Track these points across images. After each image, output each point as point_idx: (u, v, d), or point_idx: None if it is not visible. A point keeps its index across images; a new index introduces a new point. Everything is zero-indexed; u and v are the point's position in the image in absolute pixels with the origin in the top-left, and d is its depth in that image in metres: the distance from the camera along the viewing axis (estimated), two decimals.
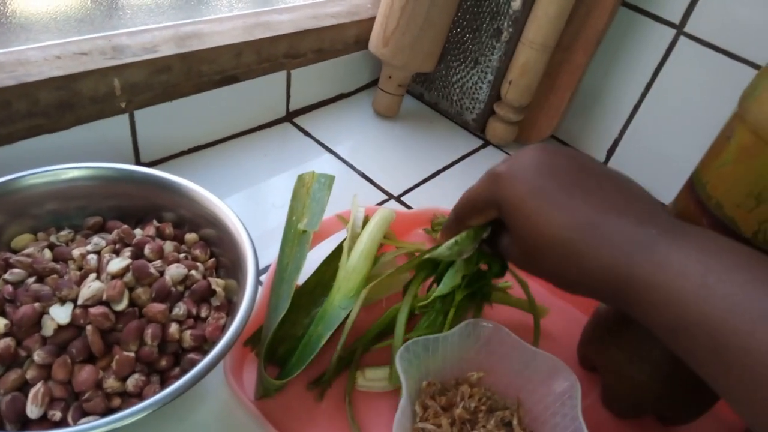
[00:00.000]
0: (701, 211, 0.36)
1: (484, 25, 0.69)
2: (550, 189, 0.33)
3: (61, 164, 0.43)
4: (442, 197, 0.65)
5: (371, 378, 0.42)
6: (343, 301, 0.42)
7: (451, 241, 0.40)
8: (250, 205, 0.58)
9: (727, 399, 0.27)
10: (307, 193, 0.49)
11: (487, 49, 0.70)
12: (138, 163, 0.58)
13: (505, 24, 0.67)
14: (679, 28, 0.64)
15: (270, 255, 0.48)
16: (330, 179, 0.51)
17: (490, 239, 0.41)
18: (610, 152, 0.75)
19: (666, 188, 0.72)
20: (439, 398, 0.40)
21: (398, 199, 0.64)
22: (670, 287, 0.28)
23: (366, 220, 0.50)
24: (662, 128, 0.69)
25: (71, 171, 0.43)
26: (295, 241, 0.47)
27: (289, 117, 0.71)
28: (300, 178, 0.51)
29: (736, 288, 0.27)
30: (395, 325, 0.42)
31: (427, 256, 0.42)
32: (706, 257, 0.28)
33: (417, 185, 0.66)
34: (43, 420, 0.33)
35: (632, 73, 0.69)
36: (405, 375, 0.37)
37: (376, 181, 0.65)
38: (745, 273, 0.27)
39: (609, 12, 0.65)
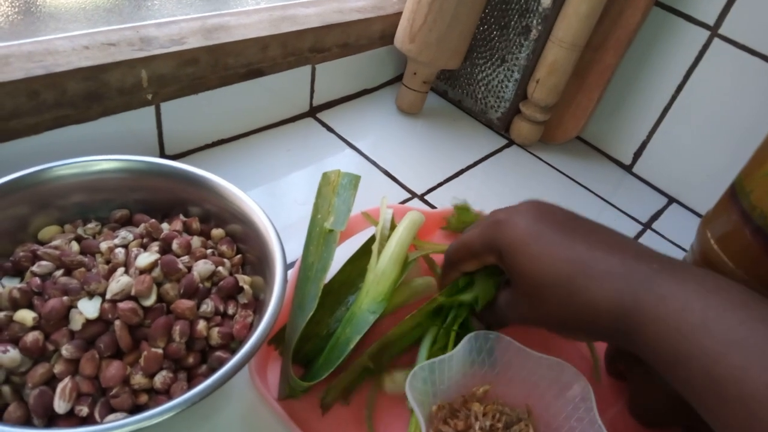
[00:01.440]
0: (744, 221, 0.35)
1: (513, 23, 0.68)
2: (549, 231, 0.36)
3: (86, 155, 0.43)
4: (466, 197, 0.64)
5: (400, 381, 0.41)
6: (372, 305, 0.41)
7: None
8: (272, 200, 0.57)
9: (716, 428, 0.29)
10: (333, 192, 0.49)
11: (514, 47, 0.69)
12: (162, 155, 0.57)
13: (534, 22, 0.66)
14: (714, 30, 0.63)
15: (291, 251, 0.48)
16: (356, 179, 0.50)
17: (480, 312, 0.43)
18: (637, 155, 0.74)
19: (694, 194, 0.71)
20: (453, 422, 0.39)
21: (422, 197, 0.63)
22: (672, 320, 0.30)
23: (392, 221, 0.49)
24: (692, 132, 0.68)
25: (100, 163, 0.42)
26: (320, 239, 0.46)
27: (313, 112, 0.70)
28: (325, 176, 0.50)
29: (734, 324, 0.28)
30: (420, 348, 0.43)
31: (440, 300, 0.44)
32: (706, 293, 0.30)
33: (440, 184, 0.65)
34: (71, 415, 0.33)
35: (663, 74, 0.68)
36: (417, 404, 0.36)
37: (399, 178, 0.64)
38: (743, 311, 0.29)
39: (642, 12, 0.64)
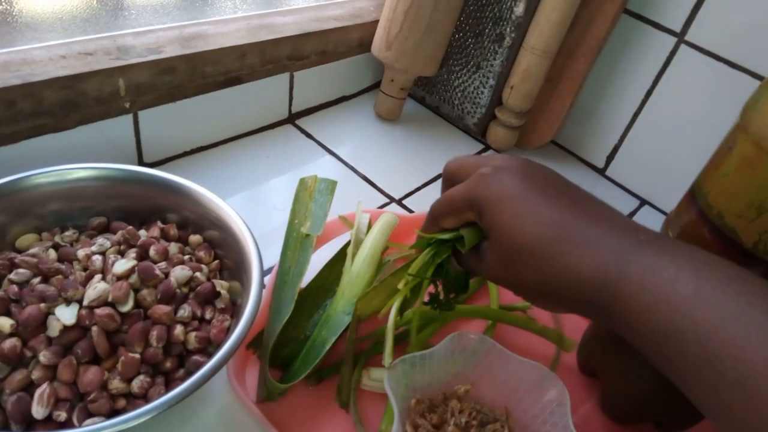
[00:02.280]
0: (702, 220, 0.37)
1: (487, 30, 0.69)
2: (535, 191, 0.33)
3: (64, 164, 0.43)
4: None
5: (376, 378, 0.42)
6: (347, 306, 0.42)
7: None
8: (252, 206, 0.58)
9: (707, 409, 0.27)
10: (310, 197, 0.50)
11: (489, 54, 0.70)
12: (141, 163, 0.58)
13: (508, 29, 0.67)
14: (680, 36, 0.65)
15: (271, 256, 0.49)
16: (332, 184, 0.51)
17: (456, 255, 0.39)
18: (610, 158, 0.76)
19: (664, 196, 0.73)
20: (429, 416, 0.40)
21: (399, 202, 0.64)
22: (661, 292, 0.27)
23: (369, 225, 0.50)
24: (662, 136, 0.70)
25: (77, 171, 0.43)
26: (297, 244, 0.47)
27: (292, 119, 0.71)
28: (302, 181, 0.51)
29: (729, 298, 0.26)
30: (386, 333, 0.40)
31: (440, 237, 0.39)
32: (698, 265, 0.28)
33: (418, 189, 0.67)
34: (48, 420, 0.33)
35: (633, 80, 0.70)
36: (394, 395, 0.37)
37: (378, 184, 0.65)
38: (737, 285, 0.27)
39: (611, 19, 0.65)
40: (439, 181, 0.68)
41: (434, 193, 0.66)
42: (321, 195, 0.50)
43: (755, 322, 0.25)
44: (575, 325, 0.52)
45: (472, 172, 0.36)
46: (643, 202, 0.74)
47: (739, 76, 0.61)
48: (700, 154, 0.66)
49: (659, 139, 0.70)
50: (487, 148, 0.76)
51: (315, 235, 0.47)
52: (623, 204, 0.73)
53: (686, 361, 0.26)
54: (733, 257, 0.35)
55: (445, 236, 0.38)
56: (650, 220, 0.72)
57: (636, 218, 0.71)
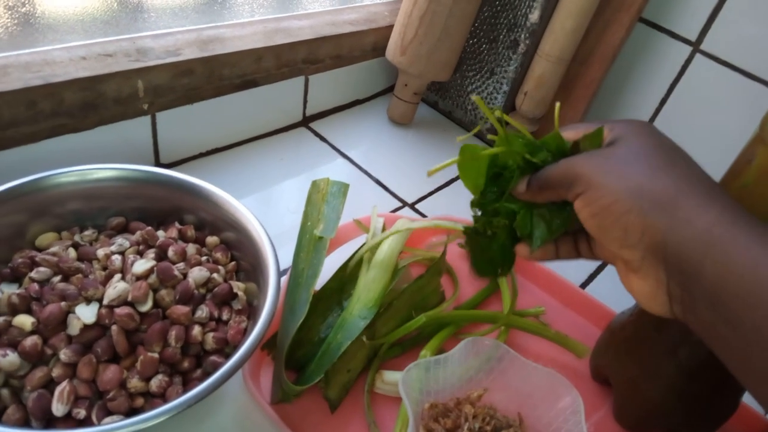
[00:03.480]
0: None
1: (501, 37, 0.70)
2: (657, 156, 0.32)
3: (83, 164, 0.44)
4: (456, 206, 0.65)
5: (389, 382, 0.42)
6: (362, 311, 0.42)
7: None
8: (265, 208, 0.58)
9: None
10: (323, 200, 0.50)
11: (503, 60, 0.70)
12: (157, 164, 0.58)
13: (522, 36, 0.68)
14: (696, 46, 0.65)
15: (283, 258, 0.49)
16: (345, 187, 0.51)
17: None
18: None
19: None
20: (443, 420, 0.40)
21: (412, 206, 0.64)
22: (748, 271, 0.27)
23: (384, 229, 0.50)
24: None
25: (98, 171, 0.43)
26: (310, 246, 0.47)
27: (306, 122, 0.71)
28: (314, 184, 0.51)
29: None
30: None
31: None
32: None
33: (430, 193, 0.67)
34: (68, 418, 0.34)
35: (647, 88, 0.70)
36: (409, 400, 0.37)
37: (390, 187, 0.66)
38: None
39: (626, 27, 0.65)
40: (452, 187, 0.68)
41: (446, 198, 0.67)
42: (333, 198, 0.50)
43: None
44: (588, 332, 0.52)
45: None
46: None
47: (755, 86, 0.61)
48: (715, 164, 0.66)
49: None
50: None
51: (328, 237, 0.47)
52: None
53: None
54: None
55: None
56: None
57: None
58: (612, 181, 0.31)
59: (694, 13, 0.64)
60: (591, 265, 0.63)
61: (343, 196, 0.51)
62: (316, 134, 0.70)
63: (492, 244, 0.39)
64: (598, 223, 0.32)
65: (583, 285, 0.61)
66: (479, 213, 0.39)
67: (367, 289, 0.44)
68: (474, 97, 0.36)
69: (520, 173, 0.35)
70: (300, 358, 0.43)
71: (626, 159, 0.32)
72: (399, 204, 0.64)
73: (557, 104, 0.36)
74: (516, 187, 0.36)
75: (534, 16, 0.66)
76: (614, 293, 0.55)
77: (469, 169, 0.37)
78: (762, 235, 0.28)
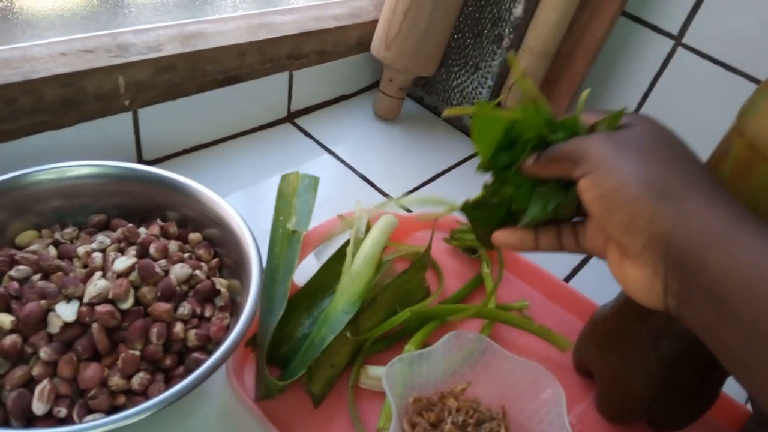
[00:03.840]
0: None
1: (486, 31, 0.70)
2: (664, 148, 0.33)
3: (63, 161, 0.43)
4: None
5: (373, 376, 0.42)
6: (346, 305, 0.43)
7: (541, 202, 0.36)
8: (250, 204, 0.58)
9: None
10: (294, 193, 0.49)
11: (487, 55, 0.70)
12: (140, 161, 0.58)
13: (507, 30, 0.68)
14: (678, 39, 0.65)
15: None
16: (315, 180, 0.51)
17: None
18: None
19: None
20: (426, 414, 0.40)
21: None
22: (749, 272, 0.27)
23: (368, 225, 0.50)
24: None
25: (77, 168, 0.43)
26: (284, 241, 0.47)
27: (291, 117, 0.71)
28: (284, 178, 0.51)
29: None
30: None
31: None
32: None
33: (416, 188, 0.67)
34: (49, 417, 0.33)
35: (630, 82, 0.70)
36: (392, 394, 0.37)
37: (376, 183, 0.66)
38: None
39: (609, 21, 0.66)
40: (437, 182, 0.68)
41: (433, 193, 0.67)
42: (305, 191, 0.50)
43: None
44: (572, 325, 0.53)
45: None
46: None
47: (736, 79, 0.62)
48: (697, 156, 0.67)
49: None
50: None
51: (302, 231, 0.47)
52: None
53: None
54: None
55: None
56: None
57: None
58: (622, 165, 0.31)
59: (675, 6, 0.64)
60: (575, 259, 0.63)
61: (314, 189, 0.50)
62: (301, 130, 0.70)
63: (495, 214, 0.38)
64: (602, 204, 0.32)
65: (567, 278, 0.61)
66: (490, 178, 0.38)
67: (351, 283, 0.44)
68: (509, 57, 0.35)
69: (532, 149, 0.35)
70: (284, 354, 0.43)
71: (638, 146, 0.32)
72: (384, 199, 0.64)
73: (586, 91, 0.37)
74: (525, 161, 0.35)
75: (518, 11, 0.66)
76: (598, 287, 0.56)
77: (483, 129, 0.35)
78: (766, 230, 0.29)
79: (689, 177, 0.31)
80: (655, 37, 0.67)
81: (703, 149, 0.41)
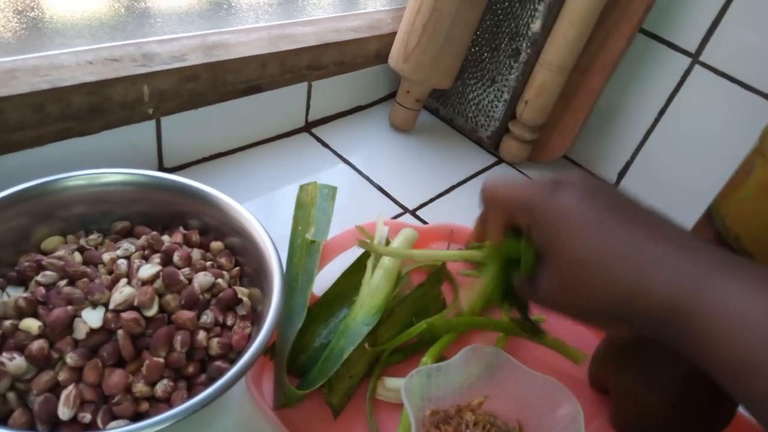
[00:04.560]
0: (719, 243, 0.37)
1: (503, 45, 0.70)
2: (601, 207, 0.32)
3: (87, 167, 0.44)
4: (456, 213, 0.66)
5: (391, 388, 0.43)
6: (366, 317, 0.43)
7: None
8: (266, 212, 0.59)
9: None
10: (312, 203, 0.50)
11: (504, 69, 0.71)
12: (161, 168, 0.58)
13: (524, 45, 0.68)
14: (695, 57, 0.66)
15: (284, 262, 0.49)
16: (333, 190, 0.51)
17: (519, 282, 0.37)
18: (621, 174, 0.76)
19: (676, 214, 0.73)
20: (444, 427, 0.40)
21: (413, 213, 0.65)
22: (735, 323, 0.27)
23: (387, 237, 0.50)
24: (674, 154, 0.71)
25: (106, 176, 0.43)
26: (303, 251, 0.48)
27: (308, 127, 0.72)
28: (303, 188, 0.51)
29: None
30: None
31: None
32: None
33: (431, 200, 0.67)
34: (73, 422, 0.34)
35: (646, 98, 0.71)
36: (411, 406, 0.37)
37: (391, 194, 0.66)
38: None
39: (626, 38, 0.66)
40: (453, 194, 0.69)
41: (447, 204, 0.67)
42: (323, 201, 0.50)
43: None
44: (587, 339, 0.53)
45: (521, 195, 0.34)
46: None
47: (754, 98, 0.62)
48: (713, 174, 0.67)
49: (672, 158, 0.71)
50: (500, 161, 0.77)
51: (321, 241, 0.47)
52: None
53: (762, 393, 0.26)
54: None
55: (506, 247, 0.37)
56: None
57: None
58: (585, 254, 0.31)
59: (694, 24, 0.65)
60: None
61: (332, 199, 0.51)
62: (318, 140, 0.71)
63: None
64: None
65: None
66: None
67: (371, 296, 0.44)
68: None
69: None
70: (302, 363, 0.44)
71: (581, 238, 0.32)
72: (400, 210, 0.64)
73: None
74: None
75: (536, 26, 0.66)
76: None
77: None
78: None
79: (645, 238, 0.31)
80: (673, 55, 0.67)
81: (721, 167, 0.42)
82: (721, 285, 0.28)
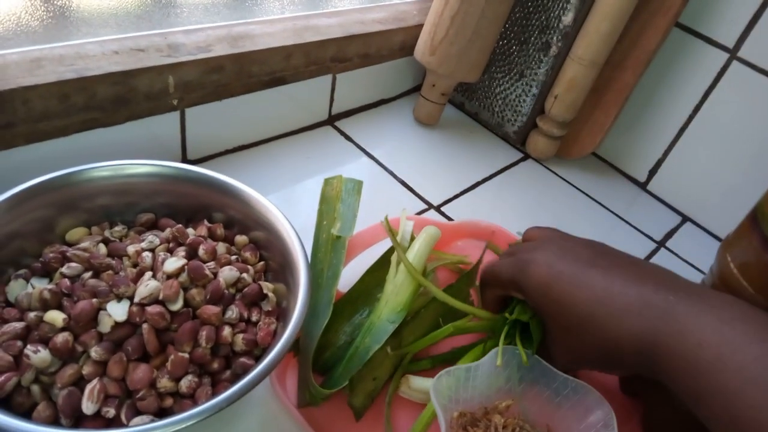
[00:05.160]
0: (764, 246, 0.36)
1: (533, 38, 0.69)
2: (570, 269, 0.36)
3: (111, 158, 0.43)
4: (482, 209, 0.64)
5: (416, 388, 0.42)
6: (391, 315, 0.42)
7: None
8: (289, 205, 0.58)
9: None
10: (338, 198, 0.49)
11: (533, 62, 0.69)
12: (184, 160, 0.58)
13: (555, 38, 0.66)
14: (733, 53, 0.63)
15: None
16: (358, 184, 0.50)
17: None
18: (652, 173, 0.74)
19: (708, 213, 0.71)
20: (472, 429, 0.39)
21: (438, 209, 0.63)
22: (690, 357, 0.30)
23: (412, 234, 0.49)
24: (708, 152, 0.68)
25: (132, 167, 0.43)
26: (328, 246, 0.47)
27: (331, 120, 0.71)
28: (327, 182, 0.50)
29: (749, 360, 0.28)
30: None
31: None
32: (721, 326, 0.30)
33: (456, 196, 0.66)
34: (97, 416, 0.33)
35: (681, 94, 0.68)
36: (441, 409, 0.37)
37: (416, 189, 0.65)
38: (758, 346, 0.28)
39: (662, 32, 0.64)
40: (477, 190, 0.67)
41: (473, 201, 0.66)
42: (348, 195, 0.49)
43: None
44: None
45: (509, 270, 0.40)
46: (685, 218, 0.73)
47: None
48: (748, 173, 0.65)
49: (705, 156, 0.69)
50: (527, 156, 0.75)
51: (347, 236, 0.46)
52: (664, 220, 0.72)
53: (717, 420, 0.29)
54: None
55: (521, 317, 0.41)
56: (692, 238, 0.70)
57: (677, 235, 0.70)
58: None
59: (732, 19, 0.62)
60: None
61: (358, 193, 0.49)
62: (342, 133, 0.70)
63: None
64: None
65: None
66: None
67: (396, 293, 0.43)
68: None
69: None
70: (326, 361, 0.43)
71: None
72: (424, 206, 0.63)
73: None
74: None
75: (567, 18, 0.65)
76: None
77: None
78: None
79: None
80: (710, 50, 0.65)
81: (758, 166, 0.40)
82: (675, 322, 0.31)
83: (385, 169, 0.66)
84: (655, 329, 0.32)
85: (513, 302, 0.43)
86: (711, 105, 0.66)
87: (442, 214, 0.63)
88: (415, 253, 0.46)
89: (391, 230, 0.46)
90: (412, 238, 0.49)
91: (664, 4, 0.63)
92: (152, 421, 0.33)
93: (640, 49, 0.66)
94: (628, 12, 0.62)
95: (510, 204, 0.67)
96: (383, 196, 0.63)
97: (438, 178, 0.67)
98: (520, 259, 0.40)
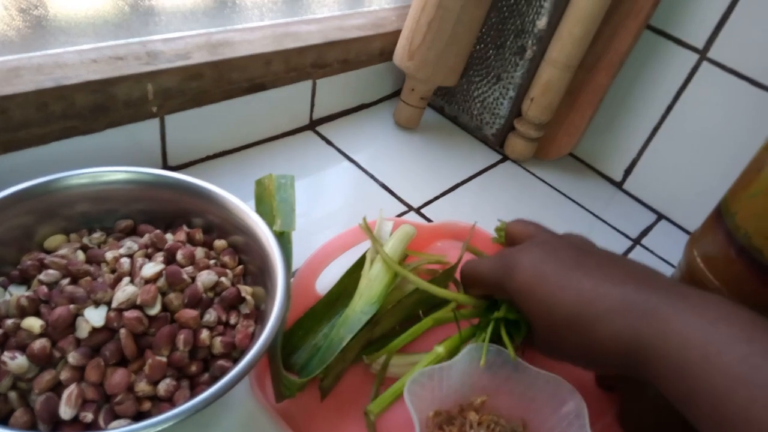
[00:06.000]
0: (729, 240, 0.37)
1: (508, 43, 0.70)
2: (554, 271, 0.37)
3: (91, 165, 0.44)
4: (461, 211, 0.65)
5: (395, 363, 0.43)
6: (365, 306, 0.43)
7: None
8: None
9: None
10: (271, 195, 0.48)
11: (510, 66, 0.70)
12: (165, 166, 0.58)
13: (530, 42, 0.68)
14: (703, 53, 0.65)
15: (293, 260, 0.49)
16: (291, 178, 0.49)
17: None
18: (627, 172, 0.76)
19: (682, 211, 0.73)
20: (448, 428, 0.40)
21: (418, 211, 0.64)
22: (675, 357, 0.30)
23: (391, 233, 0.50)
24: (681, 151, 0.70)
25: (110, 174, 0.43)
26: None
27: (312, 125, 0.72)
28: (259, 182, 0.49)
29: (735, 360, 0.28)
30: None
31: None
32: (706, 326, 0.30)
33: (436, 198, 0.67)
34: (75, 421, 0.34)
35: (653, 95, 0.70)
36: (414, 408, 0.37)
37: (396, 192, 0.66)
38: (744, 346, 0.28)
39: (633, 35, 0.66)
40: (457, 192, 0.68)
41: (452, 203, 0.67)
42: (282, 190, 0.48)
43: (760, 385, 0.27)
44: None
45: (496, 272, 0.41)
46: (660, 216, 0.74)
47: (763, 95, 0.61)
48: (720, 172, 0.66)
49: (678, 155, 0.70)
50: (505, 158, 0.77)
51: (289, 230, 0.45)
52: (640, 218, 0.73)
53: (705, 421, 0.28)
54: (760, 279, 0.35)
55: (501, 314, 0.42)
56: (667, 235, 0.72)
57: (653, 233, 0.71)
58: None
59: (702, 20, 0.64)
60: None
61: (292, 187, 0.49)
62: (323, 138, 0.71)
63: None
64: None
65: None
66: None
67: (370, 286, 0.44)
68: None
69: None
70: (305, 359, 0.43)
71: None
72: (405, 208, 0.64)
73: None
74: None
75: (542, 23, 0.66)
76: None
77: None
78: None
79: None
80: (680, 51, 0.66)
81: (728, 164, 0.42)
82: (658, 323, 0.31)
83: (366, 172, 0.67)
84: (638, 331, 0.32)
85: (499, 301, 0.44)
86: (683, 105, 0.68)
87: (422, 216, 0.64)
88: (390, 247, 0.47)
89: (368, 228, 0.47)
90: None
91: (635, 7, 0.64)
92: (130, 425, 0.33)
93: (613, 51, 0.67)
94: (600, 15, 0.63)
95: (489, 205, 0.68)
96: (364, 199, 0.64)
97: (418, 181, 0.68)
98: (504, 261, 0.40)
